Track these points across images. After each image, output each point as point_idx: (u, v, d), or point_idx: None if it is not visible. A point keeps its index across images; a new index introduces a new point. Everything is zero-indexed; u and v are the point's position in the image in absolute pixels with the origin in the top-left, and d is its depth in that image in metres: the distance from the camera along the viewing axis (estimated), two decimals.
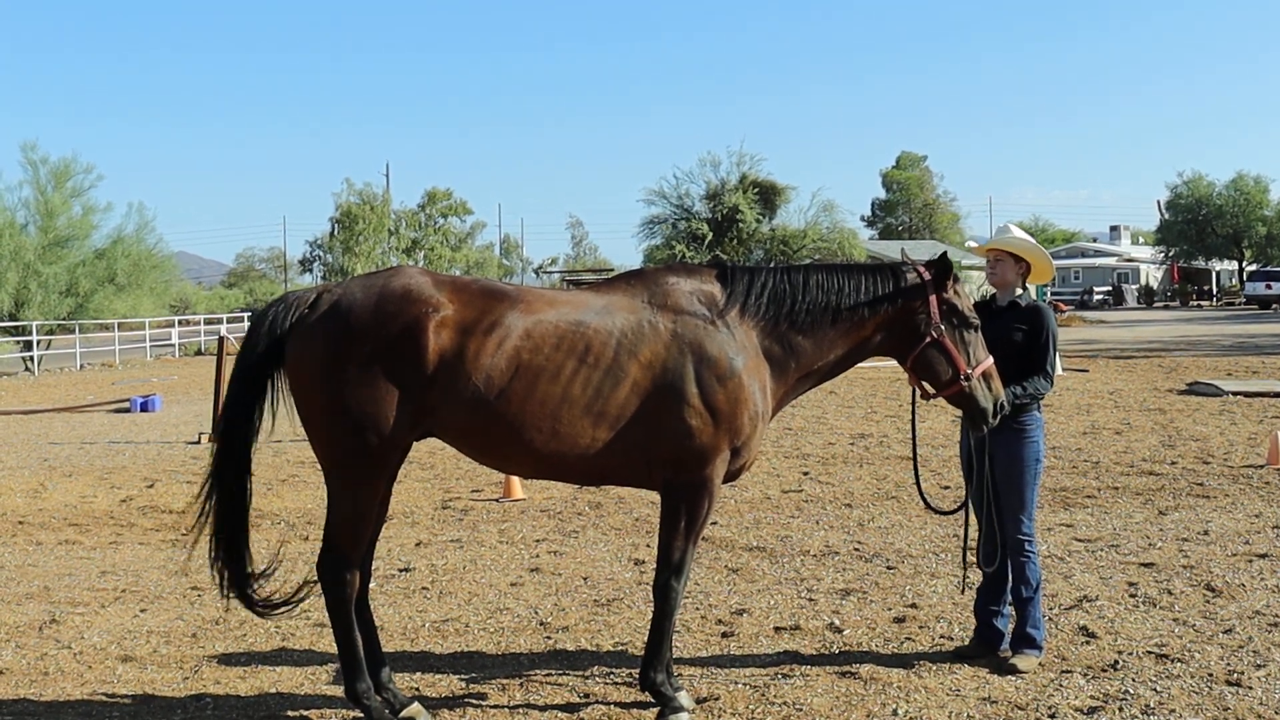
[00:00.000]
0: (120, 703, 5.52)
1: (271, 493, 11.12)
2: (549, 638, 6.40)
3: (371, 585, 5.48)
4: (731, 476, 5.21)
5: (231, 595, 5.28)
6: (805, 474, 11.64)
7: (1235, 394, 17.84)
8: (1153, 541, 8.35)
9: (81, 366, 35.12)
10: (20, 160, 37.67)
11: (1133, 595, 6.95)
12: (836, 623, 6.55)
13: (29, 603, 7.29)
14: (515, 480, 10.47)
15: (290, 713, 5.34)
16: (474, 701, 5.43)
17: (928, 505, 6.01)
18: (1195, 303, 72.40)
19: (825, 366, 5.34)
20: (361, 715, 5.07)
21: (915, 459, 6.09)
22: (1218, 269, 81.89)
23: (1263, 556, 7.83)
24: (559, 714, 5.27)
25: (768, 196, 52.67)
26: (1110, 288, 74.40)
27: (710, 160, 53.72)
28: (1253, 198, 74.19)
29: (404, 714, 5.10)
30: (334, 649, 5.26)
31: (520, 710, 5.32)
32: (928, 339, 5.29)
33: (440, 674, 5.84)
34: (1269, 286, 60.57)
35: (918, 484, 5.99)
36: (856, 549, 8.33)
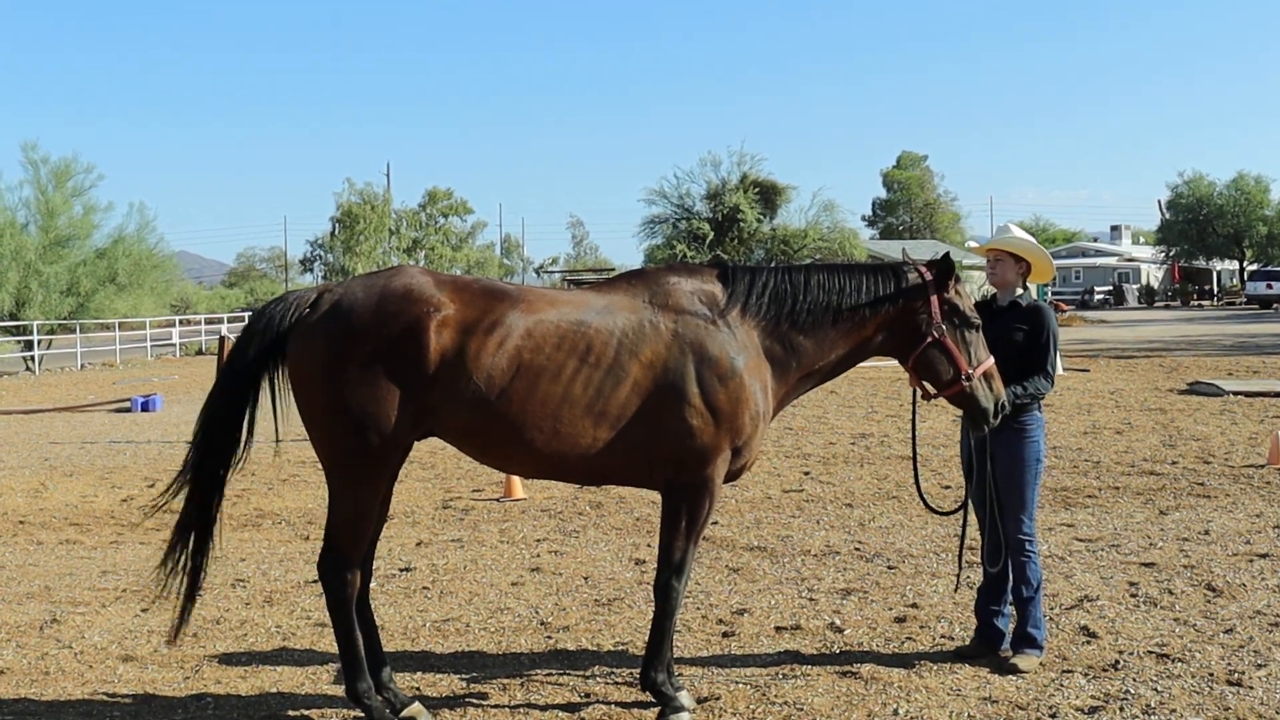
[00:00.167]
0: (121, 702, 5.52)
1: (272, 492, 11.13)
2: (550, 637, 6.40)
3: (372, 585, 5.48)
4: (732, 476, 5.21)
5: (180, 604, 5.21)
6: (806, 474, 11.64)
7: (1236, 394, 17.83)
8: (1153, 541, 8.35)
9: (82, 366, 35.13)
10: (21, 160, 37.71)
11: (1134, 595, 6.95)
12: (837, 622, 6.55)
13: (30, 602, 7.30)
14: (516, 480, 10.47)
15: (291, 712, 5.34)
16: (475, 701, 5.43)
17: (927, 505, 6.01)
18: (1196, 302, 72.42)
19: (827, 366, 5.33)
20: (362, 715, 5.07)
21: (915, 459, 6.08)
22: (1218, 269, 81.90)
23: (1263, 556, 7.83)
24: (560, 713, 5.27)
25: (768, 196, 52.72)
26: (1111, 287, 74.39)
27: (711, 160, 53.86)
28: (1253, 197, 74.20)
29: (405, 714, 5.10)
30: (335, 648, 5.26)
31: (521, 710, 5.32)
32: (929, 339, 5.29)
33: (441, 674, 5.84)
34: (1270, 286, 60.56)
35: (917, 484, 5.98)
36: (857, 549, 8.33)
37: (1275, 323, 43.59)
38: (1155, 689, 5.40)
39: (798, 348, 5.22)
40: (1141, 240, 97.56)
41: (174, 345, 42.27)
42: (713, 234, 51.43)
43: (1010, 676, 5.61)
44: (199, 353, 41.99)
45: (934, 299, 5.29)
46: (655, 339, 4.97)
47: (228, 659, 6.11)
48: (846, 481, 11.15)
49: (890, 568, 7.76)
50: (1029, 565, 5.83)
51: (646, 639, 5.34)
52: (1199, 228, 75.27)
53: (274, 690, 5.64)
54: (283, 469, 12.51)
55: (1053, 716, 5.12)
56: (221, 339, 16.01)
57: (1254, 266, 72.65)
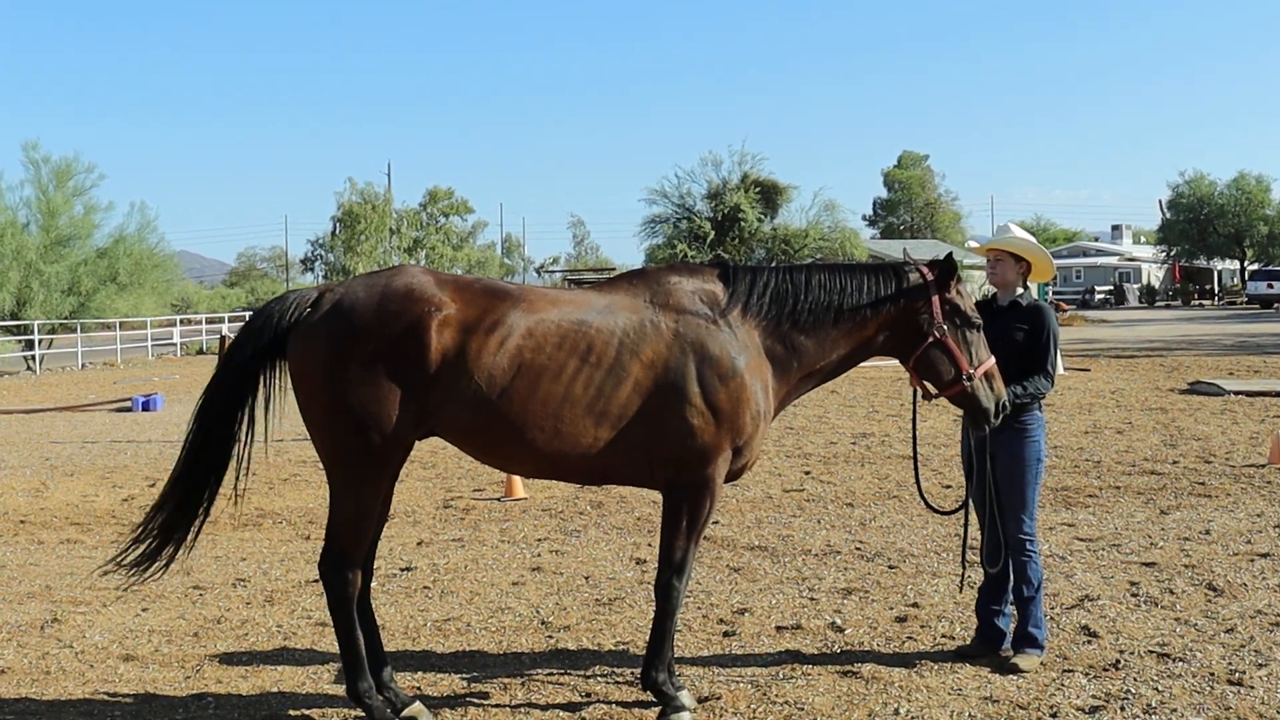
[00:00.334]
0: (122, 702, 5.52)
1: (273, 492, 11.13)
2: (550, 637, 6.41)
3: (373, 584, 5.48)
4: (733, 476, 5.21)
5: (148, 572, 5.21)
6: (807, 473, 11.64)
7: (1237, 393, 17.83)
8: (1154, 541, 8.34)
9: (83, 366, 35.14)
10: (22, 159, 37.79)
11: (1134, 594, 6.95)
12: (838, 622, 6.55)
13: (31, 602, 7.30)
14: (517, 479, 10.47)
15: (292, 712, 5.34)
16: (476, 701, 5.44)
17: (928, 505, 6.01)
18: (1197, 302, 72.39)
19: (828, 366, 5.33)
20: (363, 714, 5.07)
21: (916, 458, 6.08)
22: (1219, 268, 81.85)
23: (1264, 556, 7.83)
24: (560, 713, 5.27)
25: (769, 196, 52.71)
26: (1112, 287, 74.37)
27: (712, 159, 53.83)
28: (1254, 197, 74.15)
29: (406, 713, 5.10)
30: (336, 648, 5.26)
31: (522, 709, 5.32)
32: (930, 339, 5.28)
33: (442, 673, 5.84)
34: (1270, 286, 60.52)
35: (918, 484, 5.98)
36: (858, 548, 8.33)
37: (1276, 322, 43.57)
38: (1156, 688, 5.40)
39: (799, 347, 5.22)
40: (1142, 240, 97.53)
41: (175, 345, 42.29)
42: (714, 234, 51.42)
43: (1011, 676, 5.61)
44: (200, 352, 41.98)
45: (935, 299, 5.29)
46: (656, 338, 4.97)
47: (228, 658, 6.11)
48: (847, 481, 11.14)
49: (891, 567, 7.76)
50: (1030, 565, 5.83)
51: (647, 638, 5.34)
52: (1200, 227, 75.23)
53: (275, 690, 5.64)
54: (283, 468, 12.51)
55: (1053, 716, 5.11)
56: (222, 338, 16.03)
57: (1255, 266, 72.61)
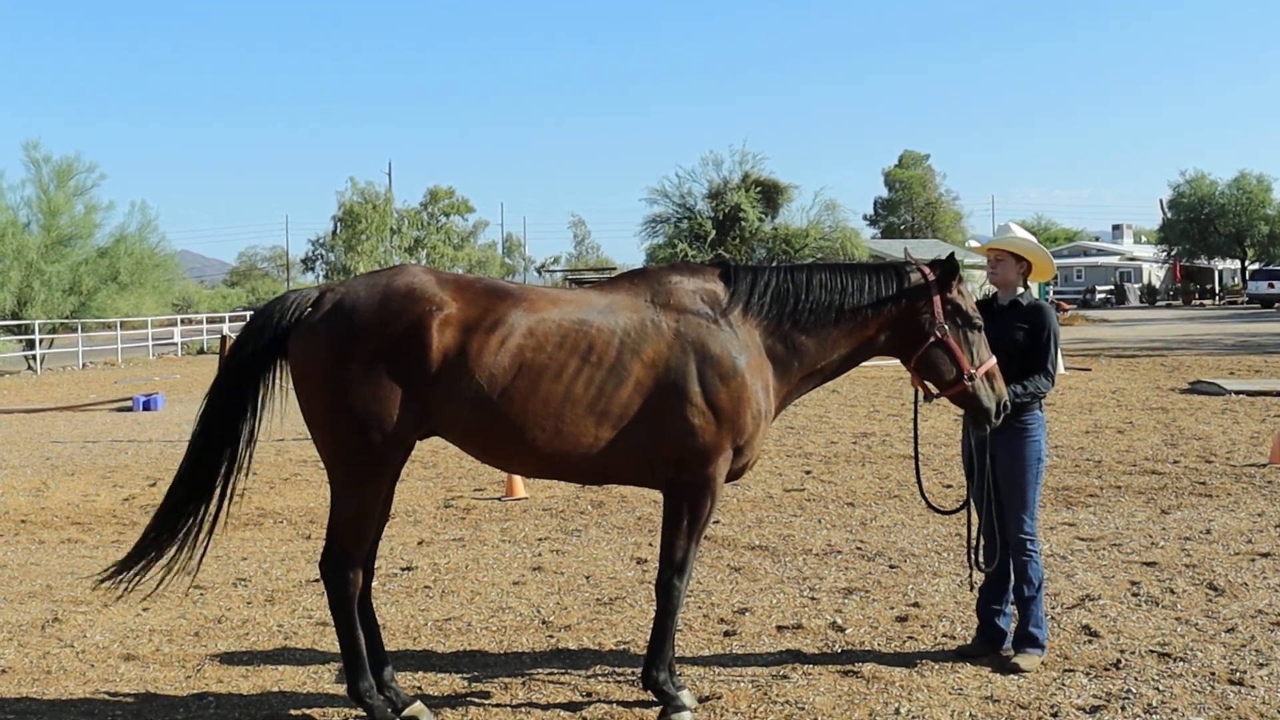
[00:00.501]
0: (123, 701, 5.52)
1: (274, 491, 11.13)
2: (551, 636, 6.41)
3: (374, 584, 5.48)
4: (734, 475, 5.20)
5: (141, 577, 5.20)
6: (808, 473, 11.64)
7: (1238, 393, 17.82)
8: (1155, 540, 8.34)
9: (84, 365, 35.15)
10: (23, 159, 37.82)
11: (1135, 594, 6.95)
12: (839, 621, 6.55)
13: (31, 601, 7.30)
14: (518, 479, 10.47)
15: (293, 712, 5.35)
16: (476, 700, 5.44)
17: (929, 505, 6.01)
18: (1198, 302, 72.37)
19: (829, 366, 5.33)
20: (364, 714, 5.07)
21: (917, 458, 6.08)
22: (1220, 268, 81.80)
23: (1265, 555, 7.82)
24: (561, 713, 5.27)
25: (770, 195, 52.70)
26: (1113, 287, 74.34)
27: (713, 159, 53.81)
28: (1255, 196, 74.10)
29: (406, 713, 5.11)
30: (336, 648, 5.26)
31: (523, 709, 5.32)
32: (932, 339, 5.28)
33: (443, 673, 5.84)
34: (1271, 285, 60.48)
35: (919, 483, 5.98)
36: (859, 548, 8.33)
37: (1277, 322, 43.55)
38: (1157, 688, 5.40)
39: (800, 347, 5.22)
40: (1143, 239, 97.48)
41: (176, 344, 42.30)
42: (714, 233, 51.41)
43: (1012, 675, 5.61)
44: (201, 352, 41.99)
45: (936, 299, 5.28)
46: (657, 338, 4.97)
47: (229, 658, 6.12)
48: (848, 481, 11.14)
49: (892, 567, 7.76)
50: (1030, 564, 5.83)
51: (648, 638, 5.34)
52: (1200, 227, 75.19)
53: (276, 689, 5.64)
54: (284, 468, 12.51)
55: (1054, 715, 5.11)
56: (223, 338, 16.04)
57: (1255, 266, 72.57)
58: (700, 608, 6.88)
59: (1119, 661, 5.75)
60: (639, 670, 5.44)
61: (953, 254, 5.43)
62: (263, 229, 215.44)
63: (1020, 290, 6.03)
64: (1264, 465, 11.35)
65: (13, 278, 35.02)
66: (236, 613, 6.96)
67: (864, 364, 5.97)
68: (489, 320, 4.86)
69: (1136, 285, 76.32)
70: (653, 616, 5.27)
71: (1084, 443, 13.16)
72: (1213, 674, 5.55)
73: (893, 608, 6.81)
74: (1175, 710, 5.14)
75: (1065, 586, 7.13)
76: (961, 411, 5.58)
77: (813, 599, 7.04)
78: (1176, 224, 76.61)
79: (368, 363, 4.76)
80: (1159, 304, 71.64)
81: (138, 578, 5.22)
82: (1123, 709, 5.16)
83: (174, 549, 5.23)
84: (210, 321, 49.89)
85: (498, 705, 5.37)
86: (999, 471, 5.84)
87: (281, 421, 5.27)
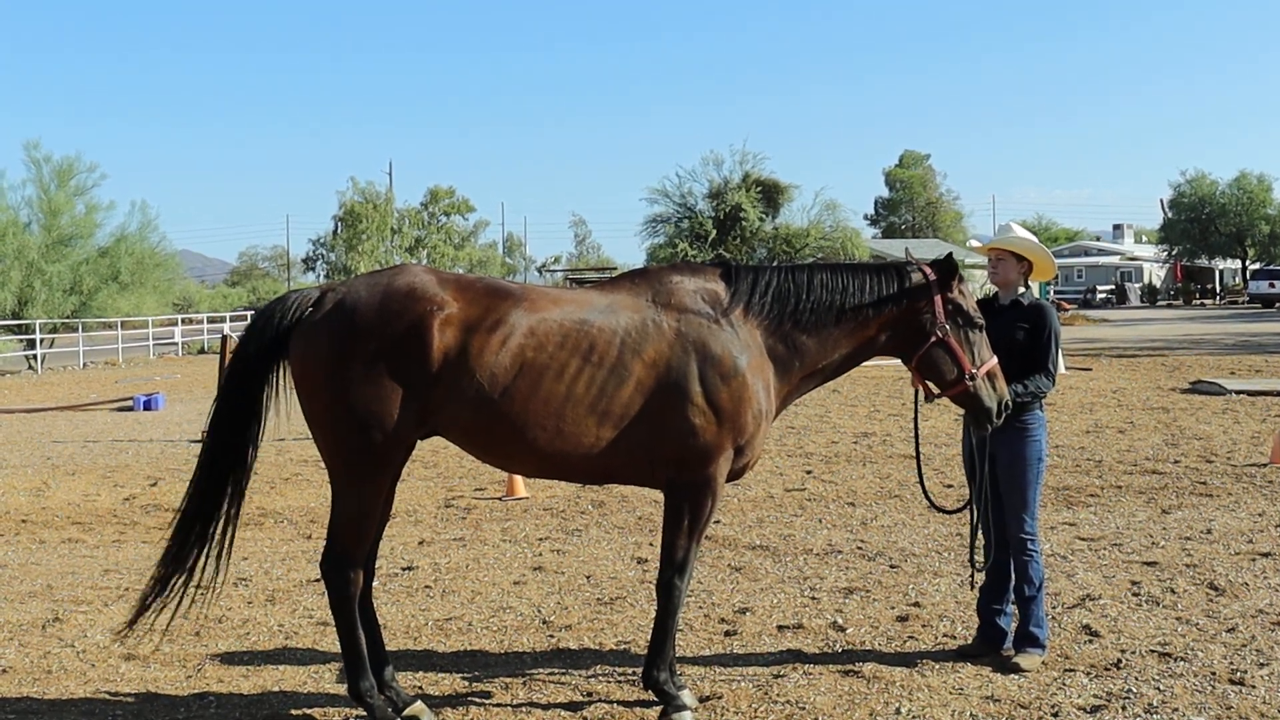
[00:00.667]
0: (123, 701, 5.52)
1: (274, 491, 11.13)
2: (552, 636, 6.41)
3: (375, 583, 5.48)
4: (735, 475, 5.20)
5: (166, 607, 5.23)
6: (808, 472, 11.64)
7: (1238, 393, 17.82)
8: (1156, 540, 8.34)
9: (85, 365, 35.14)
10: (24, 159, 37.84)
11: (1136, 594, 6.95)
12: (839, 621, 6.55)
13: (32, 601, 7.30)
14: (518, 479, 10.47)
15: (293, 711, 5.35)
16: (477, 700, 5.44)
17: (931, 504, 6.01)
18: (1198, 301, 72.33)
19: (829, 366, 5.33)
20: (365, 714, 5.07)
21: (918, 458, 6.08)
22: (1221, 268, 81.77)
23: (1266, 555, 7.82)
24: (562, 712, 5.27)
25: (771, 195, 52.70)
26: (1113, 286, 74.28)
27: (713, 159, 53.82)
28: (1256, 196, 74.08)
29: (407, 713, 5.11)
30: (337, 647, 5.26)
31: (523, 709, 5.32)
32: (933, 339, 5.28)
33: (443, 673, 5.84)
34: (1272, 285, 60.45)
35: (921, 483, 5.98)
36: (859, 548, 8.33)
37: (1277, 322, 43.54)
38: (1158, 688, 5.40)
39: (801, 347, 5.21)
40: (1144, 239, 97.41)
41: (176, 344, 42.27)
42: (715, 233, 51.41)
43: (1012, 675, 5.61)
44: (201, 352, 41.97)
45: (937, 299, 5.28)
46: (658, 338, 4.97)
47: (230, 658, 6.12)
48: (849, 480, 11.14)
49: (892, 566, 7.76)
50: (1031, 564, 5.83)
51: (649, 638, 5.34)
52: (1201, 227, 75.16)
53: (276, 689, 5.64)
54: (285, 467, 12.52)
55: (1055, 715, 5.11)
56: (224, 338, 16.02)
57: (1256, 265, 72.55)
58: (701, 607, 6.88)
59: (1120, 661, 5.75)
60: (640, 670, 5.44)
61: (951, 254, 5.43)
62: (263, 229, 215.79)
63: (1021, 290, 6.03)
64: (1265, 465, 11.34)
65: (13, 277, 35.02)
66: (237, 612, 6.96)
67: (864, 364, 5.97)
68: (490, 320, 4.86)
69: (1137, 285, 76.27)
70: (653, 616, 5.27)
71: (1084, 442, 13.16)
72: (1213, 674, 5.55)
73: (893, 607, 6.81)
74: (1176, 710, 5.14)
75: (1066, 586, 7.13)
76: (962, 411, 5.59)
77: (813, 599, 7.04)
78: (1177, 224, 76.58)
79: (369, 362, 4.76)
80: (1160, 304, 71.60)
81: (167, 603, 5.24)
82: (1123, 709, 5.16)
83: (197, 559, 5.24)
84: (211, 321, 49.85)
85: (498, 705, 5.37)
86: (999, 471, 5.84)
87: (285, 420, 5.26)
